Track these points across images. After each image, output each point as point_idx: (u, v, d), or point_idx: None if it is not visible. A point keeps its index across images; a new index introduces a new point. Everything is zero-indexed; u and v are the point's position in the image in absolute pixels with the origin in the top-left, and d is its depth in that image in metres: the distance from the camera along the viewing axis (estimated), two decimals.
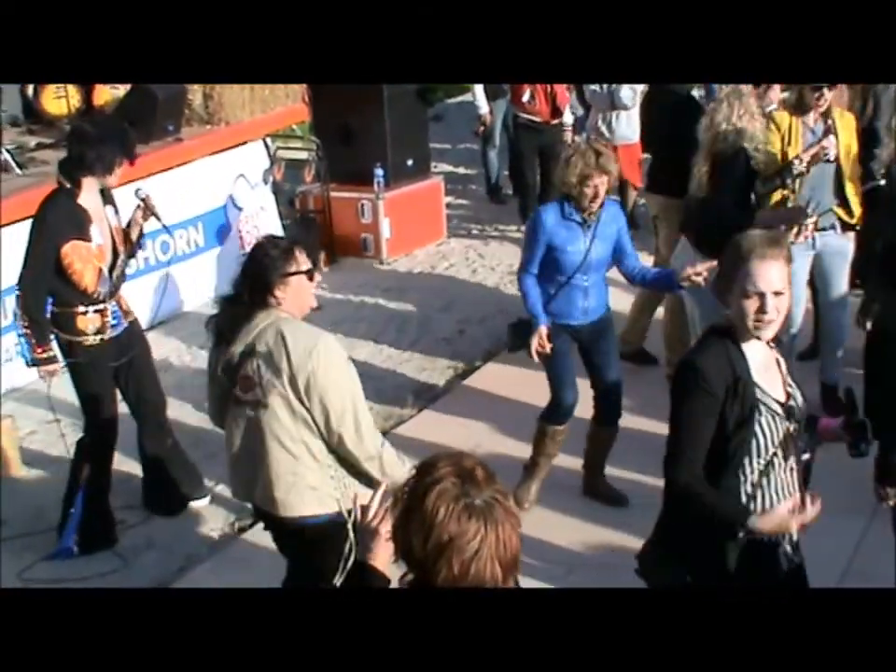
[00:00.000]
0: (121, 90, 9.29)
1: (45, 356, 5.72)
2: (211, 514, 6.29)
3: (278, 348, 4.17)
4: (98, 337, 5.81)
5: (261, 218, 9.84)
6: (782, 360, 3.74)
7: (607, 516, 6.02)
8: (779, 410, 3.62)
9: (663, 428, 3.72)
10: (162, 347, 8.05)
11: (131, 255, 6.04)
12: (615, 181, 5.97)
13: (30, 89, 9.36)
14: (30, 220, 5.86)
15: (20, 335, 5.90)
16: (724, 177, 6.24)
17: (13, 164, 8.27)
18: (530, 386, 6.66)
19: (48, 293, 5.73)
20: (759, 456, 3.59)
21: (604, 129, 9.66)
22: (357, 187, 9.93)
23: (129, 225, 5.96)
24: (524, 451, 6.23)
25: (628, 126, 9.57)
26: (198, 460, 6.50)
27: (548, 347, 5.80)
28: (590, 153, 5.66)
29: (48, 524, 6.12)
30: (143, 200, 5.91)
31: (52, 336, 5.79)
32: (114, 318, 5.87)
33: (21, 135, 9.18)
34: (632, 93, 9.48)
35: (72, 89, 9.19)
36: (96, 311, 5.79)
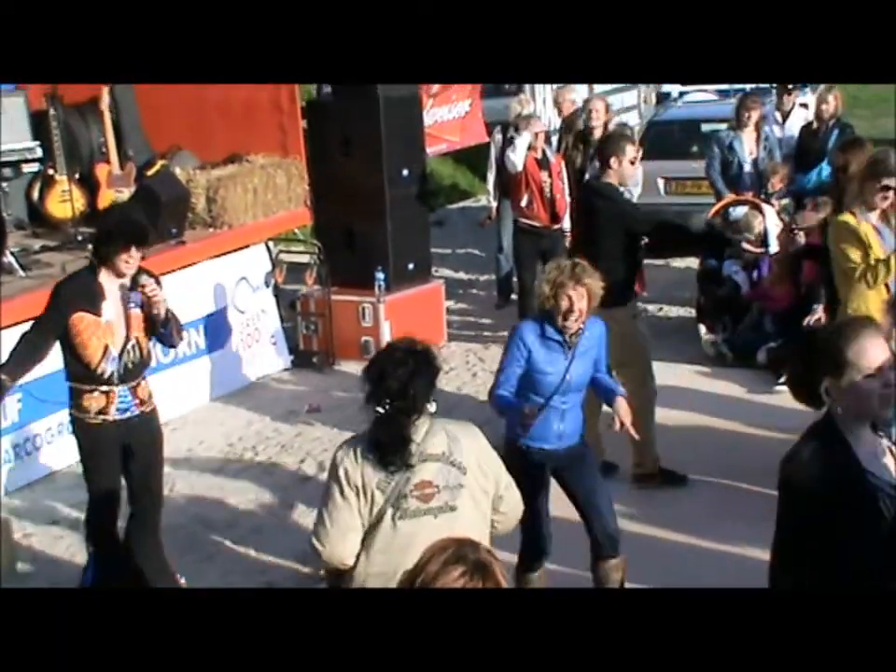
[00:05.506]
0: (126, 193, 9.40)
1: None
2: None
3: (457, 446, 4.19)
4: (101, 417, 5.81)
5: (262, 321, 9.90)
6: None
7: None
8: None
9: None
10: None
11: (165, 342, 6.13)
12: (596, 300, 5.50)
13: (35, 192, 9.47)
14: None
15: None
16: None
17: (17, 266, 8.33)
18: None
19: (40, 359, 5.84)
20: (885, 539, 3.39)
21: None
22: (359, 290, 9.99)
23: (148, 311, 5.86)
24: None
25: None
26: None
27: (534, 416, 5.33)
28: (567, 264, 5.43)
29: None
30: (141, 286, 5.78)
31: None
32: (122, 402, 5.84)
33: (25, 238, 9.27)
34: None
35: (77, 192, 9.29)
36: (102, 392, 5.79)
